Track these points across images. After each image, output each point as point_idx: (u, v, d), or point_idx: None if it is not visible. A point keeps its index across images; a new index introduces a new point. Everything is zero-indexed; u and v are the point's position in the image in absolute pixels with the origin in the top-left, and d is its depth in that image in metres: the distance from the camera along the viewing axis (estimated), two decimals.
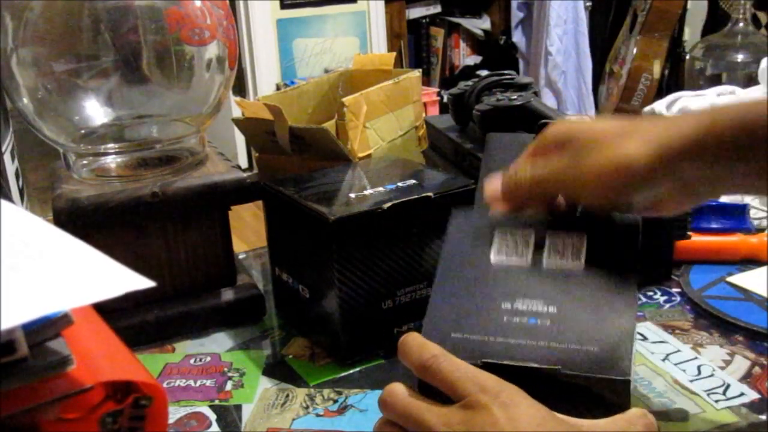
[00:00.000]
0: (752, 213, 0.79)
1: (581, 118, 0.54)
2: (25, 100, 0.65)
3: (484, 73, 1.62)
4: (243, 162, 3.00)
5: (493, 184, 0.52)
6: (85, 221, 0.62)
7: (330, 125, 0.76)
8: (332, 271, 0.58)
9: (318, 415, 0.55)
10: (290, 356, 0.64)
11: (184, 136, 0.70)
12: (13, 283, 0.33)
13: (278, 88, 2.98)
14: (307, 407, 0.56)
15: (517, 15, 3.36)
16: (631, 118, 0.49)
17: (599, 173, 0.46)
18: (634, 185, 0.46)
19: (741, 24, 2.36)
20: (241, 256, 0.83)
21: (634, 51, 2.91)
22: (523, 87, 0.87)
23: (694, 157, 0.44)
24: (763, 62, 1.03)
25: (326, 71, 3.02)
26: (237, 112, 0.87)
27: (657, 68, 2.89)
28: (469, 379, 0.41)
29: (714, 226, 0.76)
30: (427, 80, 3.51)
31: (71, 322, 0.36)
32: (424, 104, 2.01)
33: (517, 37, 3.40)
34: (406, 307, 0.62)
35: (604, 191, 0.47)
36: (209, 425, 0.55)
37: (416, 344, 0.44)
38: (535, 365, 0.43)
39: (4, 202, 0.41)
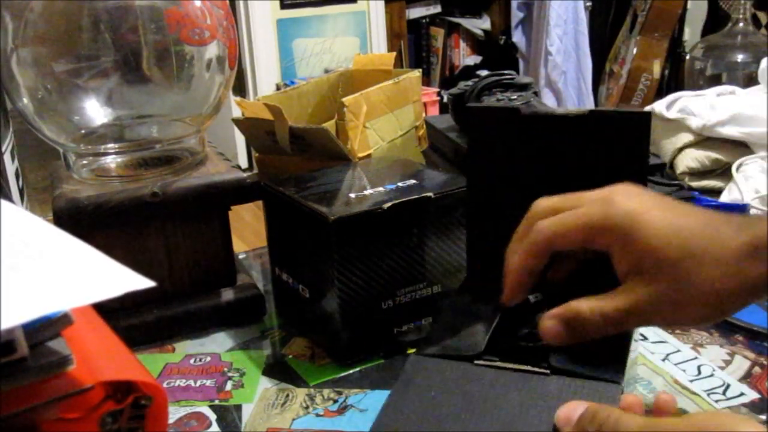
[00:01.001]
0: (752, 213, 0.79)
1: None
2: (25, 100, 0.65)
3: (484, 73, 1.62)
4: (243, 162, 3.00)
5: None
6: (85, 221, 0.62)
7: (330, 125, 0.76)
8: (332, 271, 0.58)
9: (318, 415, 0.55)
10: (290, 356, 0.64)
11: (184, 136, 0.70)
12: (13, 283, 0.33)
13: (278, 88, 2.97)
14: (307, 407, 0.56)
15: (517, 15, 3.36)
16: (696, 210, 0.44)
17: (696, 314, 0.42)
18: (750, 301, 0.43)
19: (741, 24, 2.36)
20: (241, 256, 0.83)
21: (634, 51, 2.91)
22: (523, 87, 0.87)
23: None
24: (763, 62, 1.03)
25: (326, 71, 3.02)
26: (237, 112, 0.87)
27: (657, 68, 2.90)
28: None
29: None
30: (427, 80, 3.51)
31: (71, 322, 0.36)
32: (424, 104, 2.01)
33: (517, 37, 3.39)
34: (406, 307, 0.62)
35: (697, 323, 0.44)
36: (209, 425, 0.55)
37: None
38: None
39: (4, 202, 0.41)
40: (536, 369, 0.45)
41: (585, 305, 0.44)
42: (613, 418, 0.38)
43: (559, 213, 0.46)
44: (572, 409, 0.40)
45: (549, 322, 0.46)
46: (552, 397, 0.43)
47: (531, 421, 0.42)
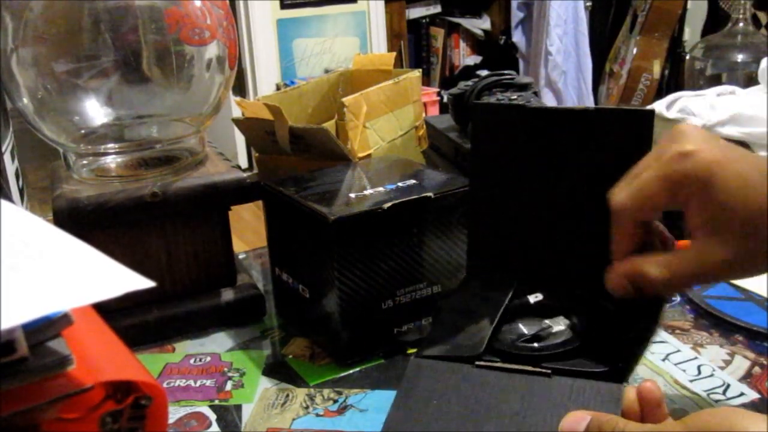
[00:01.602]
0: None
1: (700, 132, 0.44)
2: (25, 100, 0.65)
3: (484, 73, 1.62)
4: (243, 162, 3.00)
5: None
6: (85, 221, 0.62)
7: (330, 125, 0.76)
8: (332, 271, 0.58)
9: (318, 415, 0.55)
10: (290, 356, 0.64)
11: (184, 136, 0.70)
12: (13, 283, 0.33)
13: (278, 88, 2.98)
14: (307, 407, 0.56)
15: (517, 15, 3.36)
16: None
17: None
18: None
19: (741, 24, 2.36)
20: (241, 256, 0.83)
21: (634, 51, 2.91)
22: (523, 87, 0.87)
23: None
24: (763, 62, 1.03)
25: (326, 71, 3.02)
26: (237, 112, 0.87)
27: (657, 68, 2.90)
28: None
29: None
30: (427, 80, 3.51)
31: (71, 322, 0.36)
32: (424, 104, 2.01)
33: (517, 37, 3.39)
34: (406, 307, 0.62)
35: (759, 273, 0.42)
36: (209, 425, 0.55)
37: None
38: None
39: (4, 202, 0.41)
40: (538, 369, 0.45)
41: (653, 266, 0.43)
42: (619, 429, 0.38)
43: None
44: (576, 422, 0.39)
45: (616, 277, 0.44)
46: (555, 400, 0.43)
47: (535, 425, 0.42)
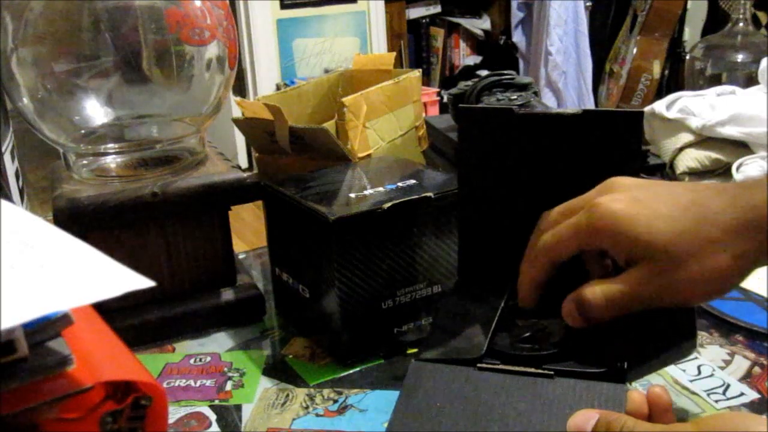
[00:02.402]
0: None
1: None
2: (25, 100, 0.65)
3: (484, 73, 1.62)
4: (243, 162, 3.00)
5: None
6: (85, 221, 0.62)
7: (330, 125, 0.76)
8: (332, 271, 0.58)
9: (318, 415, 0.55)
10: (290, 356, 0.64)
11: (184, 136, 0.70)
12: (13, 283, 0.33)
13: (278, 88, 2.98)
14: (307, 407, 0.56)
15: (517, 15, 3.36)
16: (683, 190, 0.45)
17: (694, 291, 0.44)
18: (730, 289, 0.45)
19: (741, 24, 2.36)
20: (241, 256, 0.83)
21: (634, 51, 2.91)
22: (523, 87, 0.87)
23: None
24: (763, 62, 1.03)
25: (326, 71, 3.02)
26: (237, 112, 0.87)
27: (657, 68, 2.90)
28: None
29: None
30: (427, 80, 3.51)
31: (71, 322, 0.36)
32: (424, 104, 2.01)
33: (517, 37, 3.40)
34: (406, 307, 0.62)
35: (700, 300, 0.46)
36: (209, 425, 0.55)
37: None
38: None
39: (4, 202, 0.41)
40: (540, 371, 0.45)
41: (589, 289, 0.46)
42: (628, 428, 0.38)
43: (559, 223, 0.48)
44: (584, 421, 0.40)
45: (566, 304, 0.47)
46: (558, 400, 0.43)
47: (540, 425, 0.42)
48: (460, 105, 0.59)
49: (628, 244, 0.44)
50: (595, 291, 0.45)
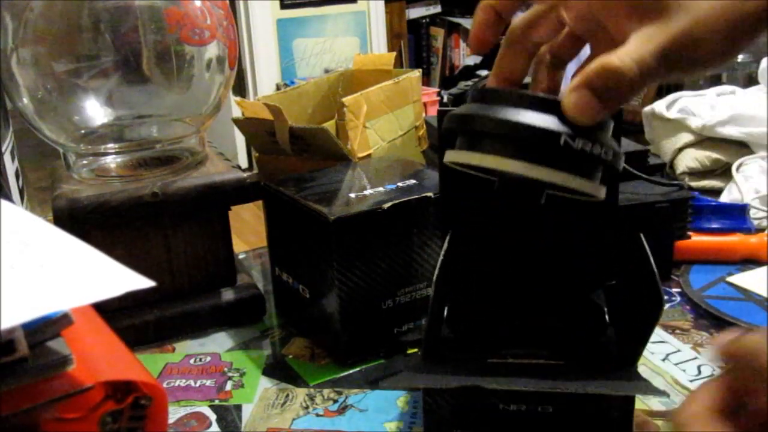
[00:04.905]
0: (752, 213, 0.79)
1: None
2: (25, 100, 0.65)
3: (484, 73, 1.61)
4: (243, 162, 3.00)
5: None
6: (85, 221, 0.62)
7: (330, 125, 0.76)
8: (332, 271, 0.58)
9: (318, 415, 0.55)
10: (290, 356, 0.64)
11: (184, 136, 0.70)
12: (13, 283, 0.33)
13: (278, 88, 2.98)
14: (307, 407, 0.56)
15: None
16: None
17: (717, 31, 0.37)
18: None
19: None
20: (241, 256, 0.83)
21: None
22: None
23: None
24: (763, 62, 1.03)
25: (326, 71, 3.02)
26: (237, 112, 0.87)
27: None
28: None
29: (714, 226, 0.76)
30: (427, 80, 3.51)
31: (71, 322, 0.36)
32: (424, 104, 2.00)
33: None
34: (406, 307, 0.62)
35: (728, 47, 0.38)
36: (209, 425, 0.55)
37: None
38: None
39: (4, 202, 0.41)
40: (551, 362, 0.45)
41: (611, 57, 0.38)
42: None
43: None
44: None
45: (573, 95, 0.38)
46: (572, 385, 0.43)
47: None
48: (439, 108, 0.56)
49: None
50: (621, 56, 0.37)
